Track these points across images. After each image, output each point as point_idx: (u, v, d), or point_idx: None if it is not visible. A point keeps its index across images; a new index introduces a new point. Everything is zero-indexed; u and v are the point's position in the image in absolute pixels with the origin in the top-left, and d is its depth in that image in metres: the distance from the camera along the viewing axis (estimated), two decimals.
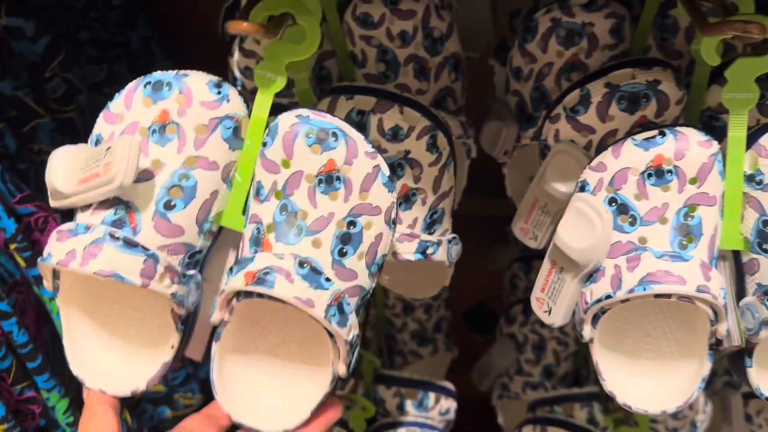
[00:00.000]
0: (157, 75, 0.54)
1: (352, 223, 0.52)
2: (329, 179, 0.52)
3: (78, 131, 0.83)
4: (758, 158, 0.53)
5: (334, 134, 0.52)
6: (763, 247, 0.53)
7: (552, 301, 0.56)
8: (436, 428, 0.90)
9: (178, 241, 0.53)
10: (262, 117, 0.55)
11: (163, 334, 0.55)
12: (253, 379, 0.55)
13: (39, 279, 0.72)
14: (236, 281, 0.51)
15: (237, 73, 0.71)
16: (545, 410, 0.92)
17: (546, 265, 0.57)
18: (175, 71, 0.54)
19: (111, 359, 0.55)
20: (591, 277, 0.54)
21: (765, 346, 0.55)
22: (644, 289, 0.51)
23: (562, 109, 0.60)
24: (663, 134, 0.53)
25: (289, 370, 0.56)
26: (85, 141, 0.84)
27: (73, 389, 0.78)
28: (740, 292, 0.55)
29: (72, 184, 0.51)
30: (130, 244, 0.50)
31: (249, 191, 0.55)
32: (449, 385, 0.91)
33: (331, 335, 0.51)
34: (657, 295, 0.51)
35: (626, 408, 0.56)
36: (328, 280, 0.51)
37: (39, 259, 0.52)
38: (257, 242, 0.53)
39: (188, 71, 0.54)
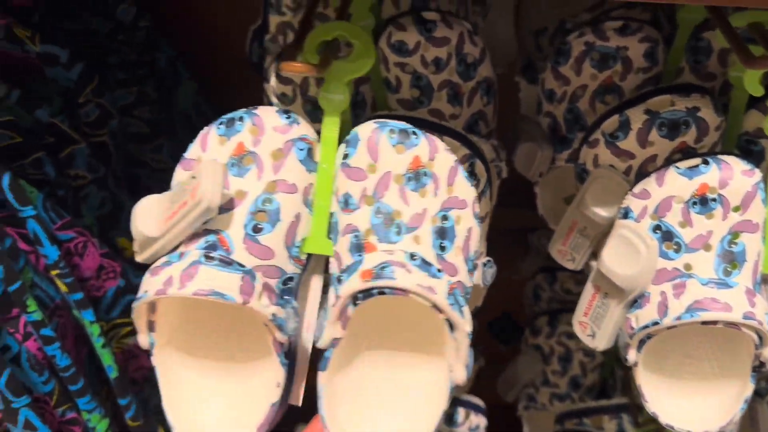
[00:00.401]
0: (228, 115, 0.55)
1: (444, 218, 0.53)
2: (417, 176, 0.53)
3: (110, 154, 0.84)
4: None
5: (414, 133, 0.53)
6: None
7: (596, 325, 0.57)
8: None
9: (271, 263, 0.52)
10: (333, 137, 0.55)
11: (267, 374, 0.53)
12: (368, 414, 0.53)
13: (79, 303, 0.73)
14: (352, 283, 0.50)
15: (273, 99, 0.71)
16: (573, 422, 0.92)
17: (589, 289, 0.58)
18: (243, 109, 0.55)
19: (216, 415, 0.53)
20: (636, 302, 0.55)
21: None
22: (692, 317, 0.51)
23: (601, 134, 0.61)
24: (707, 163, 0.54)
25: (403, 391, 0.54)
26: (117, 164, 0.86)
27: (111, 409, 0.79)
28: None
29: (160, 226, 0.51)
30: (226, 263, 0.50)
31: (331, 212, 0.55)
32: (479, 402, 0.91)
33: (451, 329, 0.50)
34: (704, 322, 0.52)
35: (669, 428, 0.57)
36: (439, 270, 0.51)
37: (134, 303, 0.50)
38: (359, 248, 0.52)
39: (256, 106, 0.56)
